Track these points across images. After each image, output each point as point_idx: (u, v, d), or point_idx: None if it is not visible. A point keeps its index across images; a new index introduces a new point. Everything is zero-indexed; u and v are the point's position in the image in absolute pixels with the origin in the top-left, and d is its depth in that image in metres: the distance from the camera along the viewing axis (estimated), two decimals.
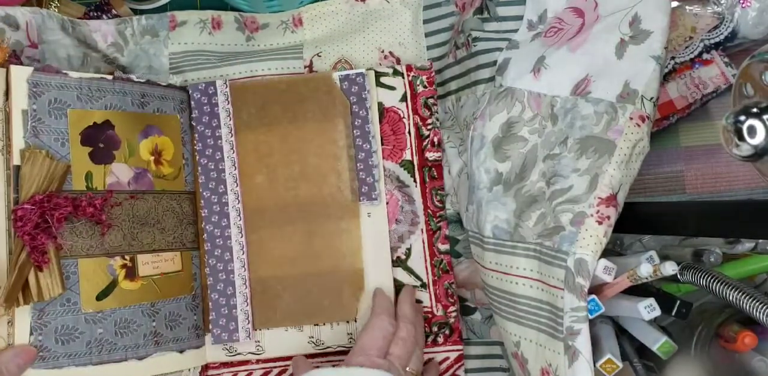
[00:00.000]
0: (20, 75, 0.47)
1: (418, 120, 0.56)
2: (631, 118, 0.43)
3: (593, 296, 0.40)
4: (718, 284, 0.39)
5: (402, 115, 0.56)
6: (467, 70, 0.53)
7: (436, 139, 0.56)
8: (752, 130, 0.33)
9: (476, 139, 0.49)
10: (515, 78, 0.49)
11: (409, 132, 0.56)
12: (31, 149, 0.46)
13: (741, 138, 0.34)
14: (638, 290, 0.43)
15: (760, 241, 0.52)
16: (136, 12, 0.62)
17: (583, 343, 0.39)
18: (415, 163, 0.56)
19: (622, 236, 0.56)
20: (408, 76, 0.57)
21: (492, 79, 0.51)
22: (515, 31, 0.51)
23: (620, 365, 0.41)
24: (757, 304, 0.36)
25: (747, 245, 0.52)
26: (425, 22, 0.59)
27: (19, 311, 0.45)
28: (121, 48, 0.59)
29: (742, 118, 0.34)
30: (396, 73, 0.57)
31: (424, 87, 0.56)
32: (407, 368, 0.46)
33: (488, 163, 0.48)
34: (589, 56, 0.46)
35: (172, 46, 0.59)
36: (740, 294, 0.37)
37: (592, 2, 0.47)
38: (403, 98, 0.56)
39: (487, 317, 0.55)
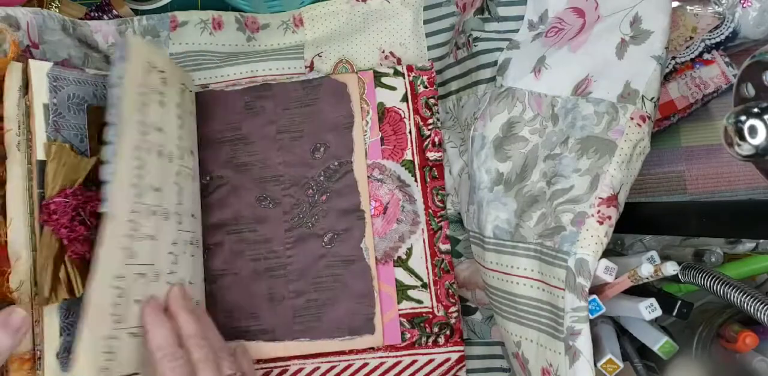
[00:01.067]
0: (40, 68, 0.46)
1: (419, 120, 0.56)
2: (631, 118, 0.43)
3: (594, 296, 0.40)
4: (719, 284, 0.38)
5: (403, 116, 0.56)
6: (468, 71, 0.53)
7: (437, 139, 0.56)
8: (753, 130, 0.33)
9: (477, 139, 0.49)
10: (516, 78, 0.49)
11: (410, 132, 0.56)
12: (58, 143, 0.45)
13: (742, 138, 0.34)
14: (639, 290, 0.42)
15: (761, 241, 0.52)
16: (136, 12, 0.62)
17: (583, 343, 0.39)
18: (416, 162, 0.56)
19: (623, 236, 0.56)
20: (409, 76, 0.57)
21: (493, 79, 0.51)
22: (516, 31, 0.51)
23: (621, 365, 0.41)
24: (758, 304, 0.36)
25: (748, 245, 0.52)
26: (426, 22, 0.59)
27: (46, 311, 0.43)
28: None
29: (743, 118, 0.33)
30: (397, 73, 0.57)
31: (425, 87, 0.56)
32: None
33: (489, 164, 0.48)
34: (589, 56, 0.46)
35: (173, 46, 0.59)
36: (741, 294, 0.37)
37: (593, 2, 0.47)
38: (404, 98, 0.56)
39: (487, 317, 0.55)
